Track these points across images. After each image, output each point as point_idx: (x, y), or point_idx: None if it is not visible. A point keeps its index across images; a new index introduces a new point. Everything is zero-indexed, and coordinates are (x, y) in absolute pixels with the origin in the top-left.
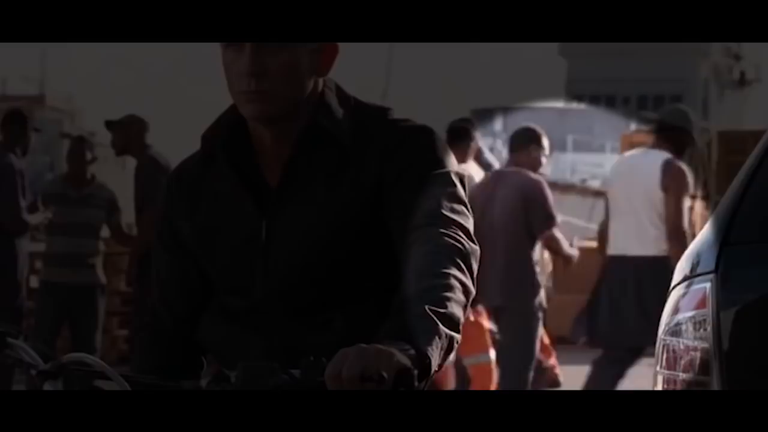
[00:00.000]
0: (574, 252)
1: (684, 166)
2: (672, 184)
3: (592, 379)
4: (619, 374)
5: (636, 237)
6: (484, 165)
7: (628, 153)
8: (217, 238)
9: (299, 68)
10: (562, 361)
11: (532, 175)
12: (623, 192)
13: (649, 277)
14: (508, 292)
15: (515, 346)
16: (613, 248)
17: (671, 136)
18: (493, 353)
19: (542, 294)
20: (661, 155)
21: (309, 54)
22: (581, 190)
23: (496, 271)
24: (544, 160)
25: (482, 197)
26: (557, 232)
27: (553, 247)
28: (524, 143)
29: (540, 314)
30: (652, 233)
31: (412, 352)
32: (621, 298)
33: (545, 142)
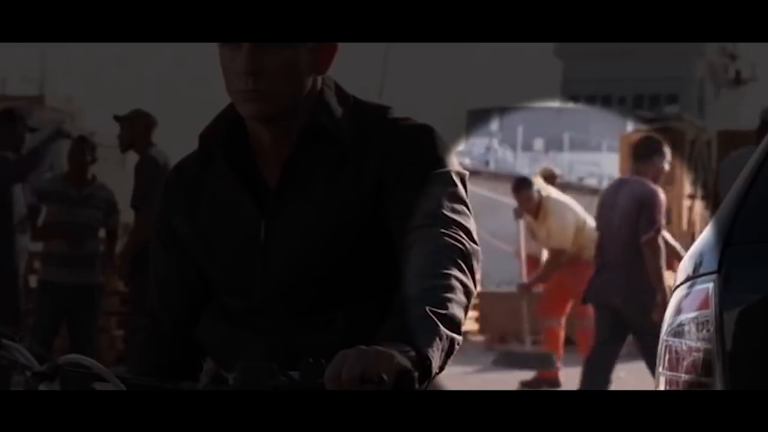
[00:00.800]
0: (662, 264)
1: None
2: None
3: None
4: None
5: None
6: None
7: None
8: (215, 237)
9: (297, 67)
10: (562, 362)
11: (651, 184)
12: None
13: None
14: (626, 295)
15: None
16: None
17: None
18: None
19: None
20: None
21: (307, 52)
22: (578, 188)
23: (616, 273)
24: (666, 167)
25: (605, 204)
26: (660, 241)
27: (651, 252)
28: (648, 153)
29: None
30: None
31: (413, 353)
32: None
33: (668, 152)
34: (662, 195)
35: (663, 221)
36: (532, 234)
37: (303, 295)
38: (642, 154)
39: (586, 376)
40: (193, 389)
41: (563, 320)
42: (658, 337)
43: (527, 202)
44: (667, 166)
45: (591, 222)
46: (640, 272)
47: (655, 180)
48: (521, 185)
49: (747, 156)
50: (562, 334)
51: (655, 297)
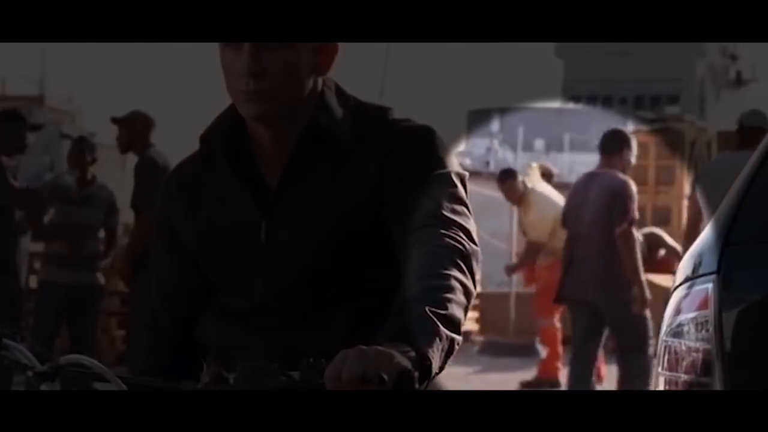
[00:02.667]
0: (637, 256)
1: None
2: None
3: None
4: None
5: None
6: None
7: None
8: (216, 238)
9: (298, 68)
10: (561, 361)
11: (621, 175)
12: None
13: None
14: (602, 290)
15: (629, 345)
16: None
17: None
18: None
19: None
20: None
21: (308, 53)
22: None
23: (591, 268)
24: (633, 161)
25: (575, 198)
26: (634, 232)
27: (625, 244)
28: (617, 146)
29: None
30: None
31: (413, 353)
32: None
33: (635, 144)
34: (633, 186)
35: (636, 212)
36: (519, 225)
37: (303, 295)
38: (610, 148)
39: (570, 375)
40: (193, 389)
41: (557, 319)
42: (636, 330)
43: (510, 192)
44: (634, 159)
45: None
46: (614, 266)
47: (624, 173)
48: (505, 176)
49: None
50: (558, 334)
51: (631, 290)
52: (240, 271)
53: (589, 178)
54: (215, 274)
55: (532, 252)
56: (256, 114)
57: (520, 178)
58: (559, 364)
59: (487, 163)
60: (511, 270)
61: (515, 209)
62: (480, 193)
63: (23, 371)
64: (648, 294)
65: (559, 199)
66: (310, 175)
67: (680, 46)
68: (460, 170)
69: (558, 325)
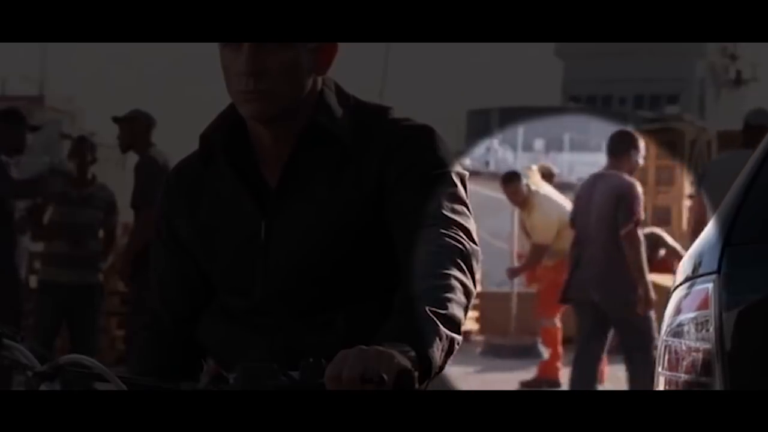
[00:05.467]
0: (642, 257)
1: None
2: None
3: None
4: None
5: None
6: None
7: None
8: (216, 237)
9: (298, 67)
10: (562, 362)
11: (628, 177)
12: None
13: None
14: (607, 290)
15: (634, 345)
16: None
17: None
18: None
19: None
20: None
21: (308, 53)
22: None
23: (595, 268)
24: (641, 162)
25: (582, 199)
26: (640, 234)
27: (630, 245)
28: (624, 147)
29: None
30: None
31: (413, 353)
32: None
33: (642, 146)
34: (639, 187)
35: (642, 213)
36: (522, 227)
37: (304, 295)
38: (618, 149)
39: (573, 376)
40: (193, 389)
41: (558, 320)
42: (641, 331)
43: (514, 195)
44: (641, 161)
45: None
46: (620, 266)
47: (631, 174)
48: (509, 178)
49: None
50: (559, 334)
51: (636, 290)
52: (240, 270)
53: (596, 179)
54: (215, 274)
55: (537, 254)
56: (256, 113)
57: (523, 180)
58: (560, 365)
59: (487, 163)
60: (514, 273)
61: (515, 209)
62: (479, 193)
63: (23, 371)
64: (653, 294)
65: (563, 200)
66: (310, 174)
67: (680, 46)
68: (461, 170)
69: (559, 325)
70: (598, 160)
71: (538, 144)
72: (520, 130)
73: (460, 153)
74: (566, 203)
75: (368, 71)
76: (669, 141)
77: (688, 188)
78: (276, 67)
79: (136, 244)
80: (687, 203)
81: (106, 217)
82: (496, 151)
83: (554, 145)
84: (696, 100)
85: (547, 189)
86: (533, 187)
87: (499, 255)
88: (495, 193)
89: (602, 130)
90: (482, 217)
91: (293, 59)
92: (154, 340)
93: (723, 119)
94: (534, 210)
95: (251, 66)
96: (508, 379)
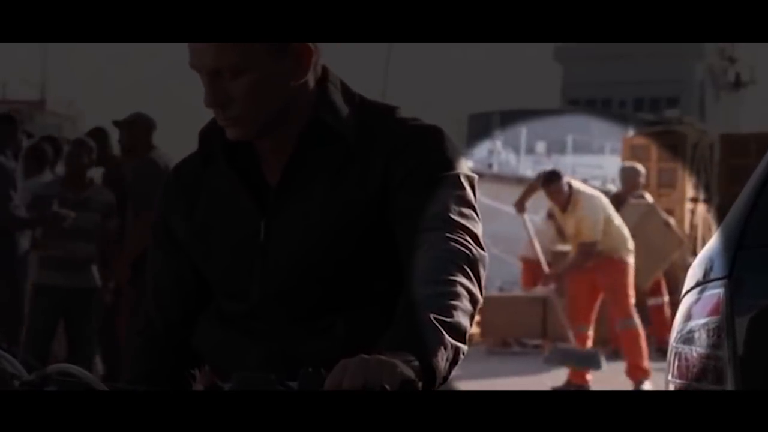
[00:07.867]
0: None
1: None
2: None
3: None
4: None
5: None
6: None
7: None
8: (214, 237)
9: (264, 85)
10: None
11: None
12: None
13: None
14: None
15: None
16: None
17: None
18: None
19: None
20: None
21: (272, 65)
22: None
23: None
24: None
25: None
26: None
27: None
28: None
29: None
30: None
31: (416, 363)
32: None
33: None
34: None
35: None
36: (558, 229)
37: (303, 298)
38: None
39: None
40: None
41: (592, 325)
42: None
43: (557, 194)
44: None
45: (619, 219)
46: None
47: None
48: (550, 178)
49: None
50: (590, 340)
51: None
52: (238, 272)
53: None
54: (212, 275)
55: (586, 253)
56: (240, 137)
57: (564, 179)
58: (646, 366)
59: (490, 166)
60: (556, 276)
61: (524, 214)
62: (482, 197)
63: (10, 380)
64: None
65: (603, 196)
66: (312, 173)
67: (678, 48)
68: (469, 172)
69: (591, 330)
70: (600, 162)
71: (540, 147)
72: (522, 133)
73: (463, 156)
74: (605, 199)
75: (370, 74)
76: (671, 144)
77: (690, 191)
78: (238, 94)
79: (135, 248)
80: (689, 206)
81: (104, 220)
82: (499, 153)
83: (556, 148)
84: (696, 102)
85: (585, 187)
86: (574, 185)
87: (501, 259)
88: (497, 196)
89: (604, 132)
90: (484, 221)
91: (255, 81)
92: (146, 343)
93: (723, 122)
94: (579, 208)
95: (213, 98)
96: (509, 383)
